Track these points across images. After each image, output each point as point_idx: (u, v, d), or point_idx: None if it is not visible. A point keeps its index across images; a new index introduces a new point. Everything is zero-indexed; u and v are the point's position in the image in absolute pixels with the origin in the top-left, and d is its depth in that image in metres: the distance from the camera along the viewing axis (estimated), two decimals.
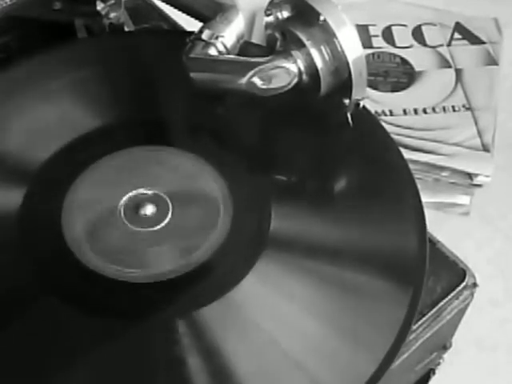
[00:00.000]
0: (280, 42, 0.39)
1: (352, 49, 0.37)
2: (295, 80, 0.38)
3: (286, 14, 0.39)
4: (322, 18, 0.37)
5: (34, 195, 0.38)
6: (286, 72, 0.37)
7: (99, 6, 0.46)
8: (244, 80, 0.37)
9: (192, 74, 0.39)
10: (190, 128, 0.42)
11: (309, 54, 0.37)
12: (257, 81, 0.37)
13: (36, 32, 0.47)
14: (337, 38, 0.36)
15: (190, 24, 0.44)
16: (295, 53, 0.38)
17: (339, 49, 0.37)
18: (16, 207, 0.37)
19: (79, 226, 0.37)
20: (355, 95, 0.38)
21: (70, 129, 0.41)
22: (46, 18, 0.47)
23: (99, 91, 0.43)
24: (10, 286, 0.35)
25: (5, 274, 0.35)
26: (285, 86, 0.37)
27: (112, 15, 0.46)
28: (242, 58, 0.39)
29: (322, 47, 0.37)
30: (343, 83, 0.38)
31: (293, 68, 0.37)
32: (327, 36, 0.37)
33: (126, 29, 0.49)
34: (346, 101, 0.38)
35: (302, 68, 0.38)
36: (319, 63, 0.37)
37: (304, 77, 0.38)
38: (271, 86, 0.37)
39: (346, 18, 0.37)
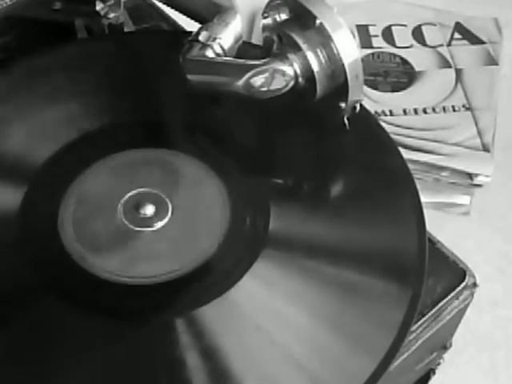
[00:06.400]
0: (277, 44, 0.39)
1: (348, 52, 0.37)
2: (291, 83, 0.38)
3: (283, 16, 0.39)
4: (318, 21, 0.37)
5: (34, 195, 0.38)
6: (282, 75, 0.37)
7: (98, 6, 0.46)
8: (240, 82, 0.37)
9: (189, 76, 0.39)
10: (189, 129, 0.42)
11: (305, 58, 0.37)
12: (253, 83, 0.37)
13: (36, 32, 0.48)
14: (333, 42, 0.36)
15: (190, 24, 0.44)
16: (291, 56, 0.38)
17: (335, 52, 0.37)
18: (16, 207, 0.37)
19: (79, 227, 0.37)
20: (351, 98, 0.38)
21: (69, 129, 0.41)
22: (45, 18, 0.47)
23: (99, 91, 0.43)
24: (9, 285, 0.35)
25: (4, 274, 0.36)
26: (281, 88, 0.37)
27: (111, 15, 0.46)
28: (238, 61, 0.39)
29: (319, 50, 0.37)
30: (339, 86, 0.38)
31: (289, 71, 0.37)
32: (323, 39, 0.37)
33: (126, 29, 0.49)
34: (343, 104, 0.38)
35: (299, 71, 0.38)
36: (315, 66, 0.37)
37: (300, 80, 0.38)
38: (268, 89, 0.37)
39: (342, 21, 0.37)
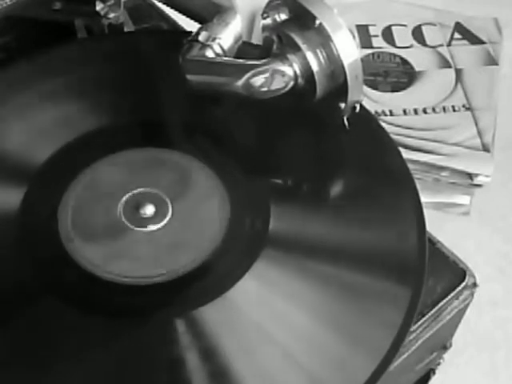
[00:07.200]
0: (276, 44, 0.39)
1: (348, 52, 0.37)
2: (291, 83, 0.38)
3: (283, 16, 0.39)
4: (317, 21, 0.37)
5: (34, 195, 0.38)
6: (281, 75, 0.37)
7: (98, 7, 0.46)
8: (240, 82, 0.37)
9: (188, 76, 0.39)
10: (189, 129, 0.42)
11: (305, 58, 0.37)
12: (253, 83, 0.37)
13: (36, 32, 0.48)
14: (332, 42, 0.36)
15: (190, 24, 0.44)
16: (291, 56, 0.38)
17: (335, 52, 0.37)
18: (16, 207, 0.37)
19: (79, 227, 0.37)
20: (351, 98, 0.38)
21: (69, 129, 0.41)
22: (45, 18, 0.47)
23: (99, 91, 0.43)
24: (8, 285, 0.35)
25: (4, 274, 0.36)
26: (281, 89, 0.37)
27: (111, 15, 0.46)
28: (238, 61, 0.39)
29: (318, 51, 0.37)
30: (339, 87, 0.38)
31: (289, 71, 0.37)
32: (323, 40, 0.37)
33: (126, 29, 0.49)
34: (342, 104, 0.38)
35: (298, 71, 0.38)
36: (315, 67, 0.37)
37: (300, 80, 0.38)
38: (267, 89, 0.37)
39: (341, 21, 0.37)
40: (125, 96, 0.43)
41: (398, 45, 0.71)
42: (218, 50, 0.39)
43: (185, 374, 0.33)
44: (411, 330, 0.36)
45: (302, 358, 0.34)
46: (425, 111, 0.65)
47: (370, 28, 0.72)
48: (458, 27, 0.73)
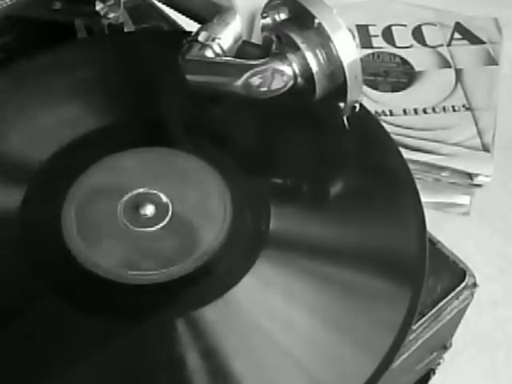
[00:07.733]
0: (276, 44, 0.39)
1: (347, 52, 0.37)
2: (290, 83, 0.38)
3: (282, 16, 0.39)
4: (317, 21, 0.37)
5: (34, 195, 0.38)
6: (281, 75, 0.37)
7: (98, 6, 0.46)
8: (239, 82, 0.37)
9: (188, 76, 0.39)
10: (189, 129, 0.42)
11: (304, 58, 0.37)
12: (252, 83, 0.37)
13: (36, 32, 0.48)
14: (332, 42, 0.36)
15: (190, 24, 0.44)
16: (290, 56, 0.38)
17: (334, 52, 0.37)
18: (16, 207, 0.37)
19: (79, 227, 0.37)
20: (350, 98, 0.38)
21: (69, 129, 0.41)
22: (45, 18, 0.47)
23: (99, 91, 0.43)
24: (9, 285, 0.35)
25: (4, 274, 0.36)
26: (280, 88, 0.37)
27: (111, 15, 0.46)
28: (237, 61, 0.39)
29: (317, 51, 0.37)
30: (339, 87, 0.38)
31: (288, 71, 0.37)
32: (322, 39, 0.37)
33: (126, 29, 0.49)
34: (341, 104, 0.38)
35: (297, 71, 0.38)
36: (314, 67, 0.37)
37: (299, 80, 0.38)
38: (267, 89, 0.37)
39: (341, 21, 0.37)
40: (125, 96, 0.43)
41: (398, 45, 0.71)
42: (218, 50, 0.39)
43: (185, 374, 0.33)
44: (411, 329, 0.36)
45: (302, 359, 0.34)
46: (425, 111, 0.65)
47: (370, 28, 0.72)
48: (458, 27, 0.73)
